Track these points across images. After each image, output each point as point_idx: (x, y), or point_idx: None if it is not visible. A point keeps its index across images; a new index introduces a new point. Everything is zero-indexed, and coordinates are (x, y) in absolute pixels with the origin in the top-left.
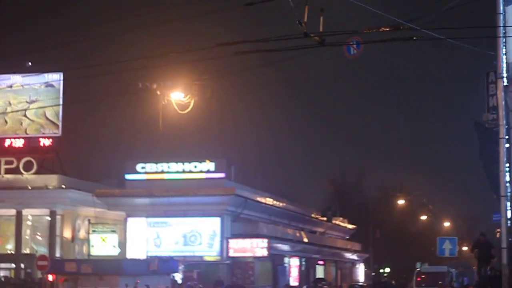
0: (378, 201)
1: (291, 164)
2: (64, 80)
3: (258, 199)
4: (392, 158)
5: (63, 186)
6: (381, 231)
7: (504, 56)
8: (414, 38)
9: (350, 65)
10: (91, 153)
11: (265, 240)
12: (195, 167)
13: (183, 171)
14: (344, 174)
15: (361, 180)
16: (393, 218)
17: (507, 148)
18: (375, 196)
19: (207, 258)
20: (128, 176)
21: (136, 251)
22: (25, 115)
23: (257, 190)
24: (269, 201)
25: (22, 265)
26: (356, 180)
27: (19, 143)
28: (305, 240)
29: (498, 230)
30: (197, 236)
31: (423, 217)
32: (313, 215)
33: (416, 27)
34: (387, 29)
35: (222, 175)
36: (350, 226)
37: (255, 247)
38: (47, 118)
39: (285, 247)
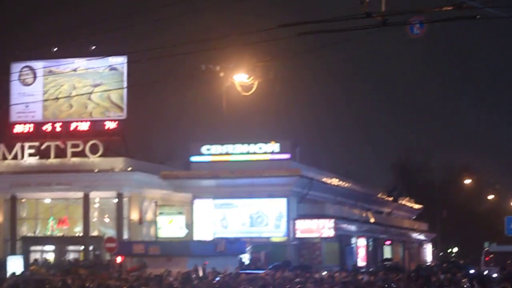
0: (444, 181)
1: (356, 144)
2: (127, 63)
3: (324, 179)
4: (458, 137)
5: (129, 169)
6: (448, 211)
7: None
8: (478, 17)
9: (413, 44)
10: (156, 135)
11: (332, 221)
12: (260, 148)
13: (248, 153)
14: (410, 153)
15: (428, 160)
16: (459, 197)
17: None
18: (441, 175)
19: (274, 239)
20: (193, 158)
21: (203, 232)
22: (89, 99)
23: (322, 170)
24: (335, 181)
25: (91, 247)
26: (422, 159)
27: (84, 126)
28: (372, 220)
29: None
30: (264, 217)
31: (490, 197)
32: (379, 195)
33: (480, 6)
34: (450, 8)
35: (287, 156)
36: (416, 206)
37: (321, 228)
38: (111, 101)
39: (351, 227)
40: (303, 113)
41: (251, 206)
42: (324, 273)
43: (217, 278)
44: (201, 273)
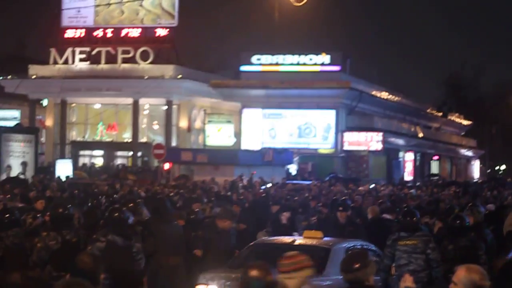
0: (495, 97)
1: (407, 58)
2: None
3: (373, 92)
4: (511, 53)
5: (179, 76)
6: (497, 128)
7: None
8: None
9: None
10: (207, 43)
11: (380, 134)
12: (311, 59)
13: (298, 64)
14: (462, 68)
15: (479, 76)
16: (510, 114)
17: None
18: (492, 92)
19: (321, 151)
20: (244, 67)
21: (251, 142)
22: (141, 5)
23: (372, 83)
24: (384, 95)
25: (139, 154)
26: (473, 75)
27: (135, 32)
28: (420, 135)
29: None
30: (312, 129)
31: None
32: (428, 110)
33: None
34: None
35: (337, 68)
36: (465, 122)
37: (369, 141)
38: (163, 9)
39: (399, 141)
40: (355, 25)
41: (299, 117)
42: (371, 186)
43: (263, 187)
44: (245, 182)
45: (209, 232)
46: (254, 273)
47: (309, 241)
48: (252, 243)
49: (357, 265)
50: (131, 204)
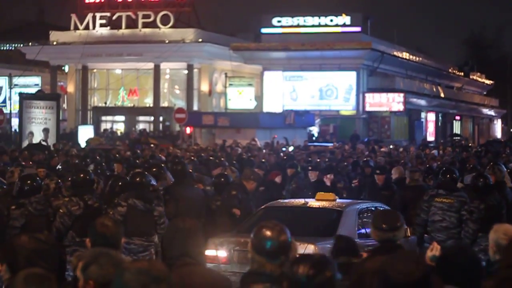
0: None
1: (428, 18)
2: None
3: (395, 53)
4: None
5: (200, 40)
6: None
7: None
8: None
9: None
10: (227, 6)
11: (401, 95)
12: (331, 21)
13: (319, 25)
14: (483, 28)
15: (501, 35)
16: None
17: None
18: None
19: (343, 112)
20: (264, 30)
21: (272, 104)
22: None
23: (393, 44)
24: (406, 55)
25: (161, 118)
26: (495, 34)
27: None
28: (442, 95)
29: None
30: (333, 90)
31: None
32: (450, 70)
33: None
34: None
35: (358, 29)
36: (487, 82)
37: (391, 102)
38: None
39: (421, 101)
40: None
41: (320, 79)
42: (392, 146)
43: (284, 149)
44: (259, 145)
45: (240, 193)
46: (267, 232)
47: (321, 204)
48: (263, 206)
49: (393, 224)
50: (154, 169)
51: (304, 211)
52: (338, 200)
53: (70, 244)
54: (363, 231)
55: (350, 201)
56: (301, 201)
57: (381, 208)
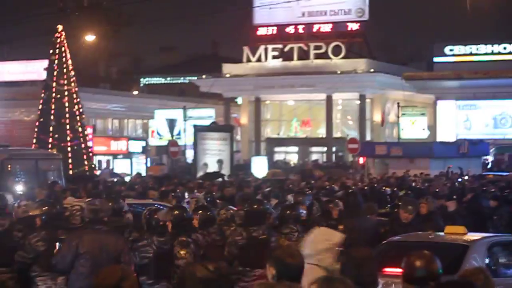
0: None
1: None
2: None
3: None
4: None
5: (372, 70)
6: None
7: None
8: None
9: None
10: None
11: None
12: (504, 48)
13: (492, 53)
14: None
15: None
16: None
17: None
18: None
19: None
20: (436, 59)
21: (446, 134)
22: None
23: None
24: None
25: (334, 149)
26: None
27: (327, 27)
28: None
29: None
30: (508, 119)
31: None
32: None
33: None
34: None
35: None
36: None
37: None
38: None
39: None
40: None
41: (494, 107)
42: None
43: (459, 180)
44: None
45: None
46: (416, 261)
47: (447, 237)
48: (384, 242)
49: None
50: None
51: (427, 246)
52: (469, 234)
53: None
54: (494, 267)
55: (483, 235)
56: (426, 235)
57: None
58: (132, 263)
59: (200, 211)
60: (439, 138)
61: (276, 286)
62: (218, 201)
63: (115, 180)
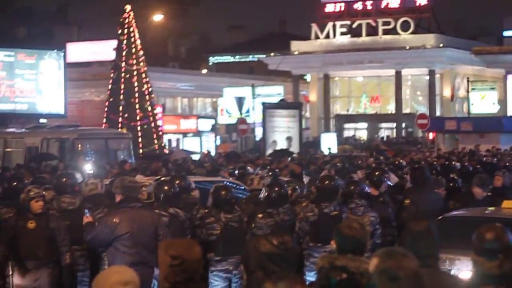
0: None
1: None
2: None
3: None
4: None
5: (441, 45)
6: None
7: None
8: None
9: None
10: (467, 10)
11: None
12: None
13: None
14: None
15: None
16: None
17: None
18: None
19: None
20: (506, 33)
21: None
22: None
23: None
24: None
25: (403, 124)
26: None
27: (395, 3)
28: None
29: None
30: None
31: None
32: None
33: None
34: None
35: None
36: None
37: None
38: None
39: None
40: None
41: None
42: None
43: None
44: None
45: None
46: (486, 233)
47: (507, 212)
48: (440, 217)
49: None
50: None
51: (485, 222)
52: None
53: (305, 248)
54: None
55: None
56: (481, 210)
57: None
58: (168, 236)
59: (273, 188)
60: (509, 113)
61: (338, 258)
62: (285, 178)
63: (185, 158)
